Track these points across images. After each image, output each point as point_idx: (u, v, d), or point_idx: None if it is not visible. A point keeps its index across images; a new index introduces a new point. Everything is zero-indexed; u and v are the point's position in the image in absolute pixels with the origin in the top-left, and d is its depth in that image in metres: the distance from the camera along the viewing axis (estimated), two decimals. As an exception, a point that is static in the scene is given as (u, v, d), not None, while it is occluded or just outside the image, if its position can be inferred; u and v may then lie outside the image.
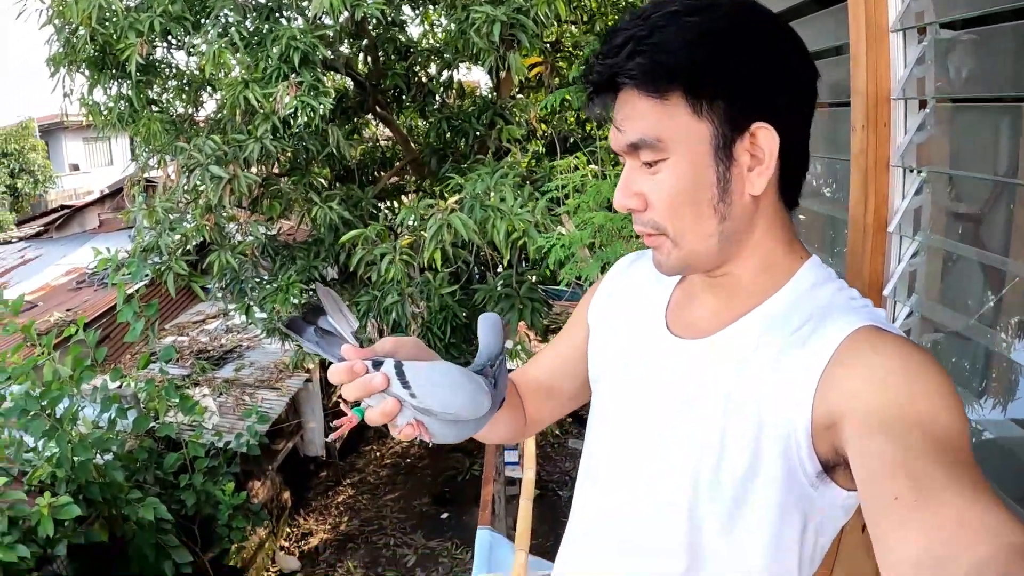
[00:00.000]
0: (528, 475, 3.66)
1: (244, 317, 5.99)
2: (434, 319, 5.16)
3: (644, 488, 0.90)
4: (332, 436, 1.05)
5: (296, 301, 5.60)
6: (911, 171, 1.35)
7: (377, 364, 0.89)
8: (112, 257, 5.60)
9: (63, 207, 14.70)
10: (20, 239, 13.65)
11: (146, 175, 6.65)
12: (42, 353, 4.65)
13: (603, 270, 3.29)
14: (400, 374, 0.89)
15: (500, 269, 5.41)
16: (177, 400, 5.56)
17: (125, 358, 8.43)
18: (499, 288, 4.99)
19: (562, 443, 8.28)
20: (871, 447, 0.69)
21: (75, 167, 22.08)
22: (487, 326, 0.99)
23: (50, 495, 3.91)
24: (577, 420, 8.58)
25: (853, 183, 1.42)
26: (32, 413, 4.21)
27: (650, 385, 0.92)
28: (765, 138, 0.79)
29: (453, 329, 5.26)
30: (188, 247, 5.54)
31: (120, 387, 5.63)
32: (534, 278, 5.23)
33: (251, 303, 5.81)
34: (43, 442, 4.47)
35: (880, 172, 1.37)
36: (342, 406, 0.94)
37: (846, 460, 0.74)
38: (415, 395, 0.89)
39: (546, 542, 5.84)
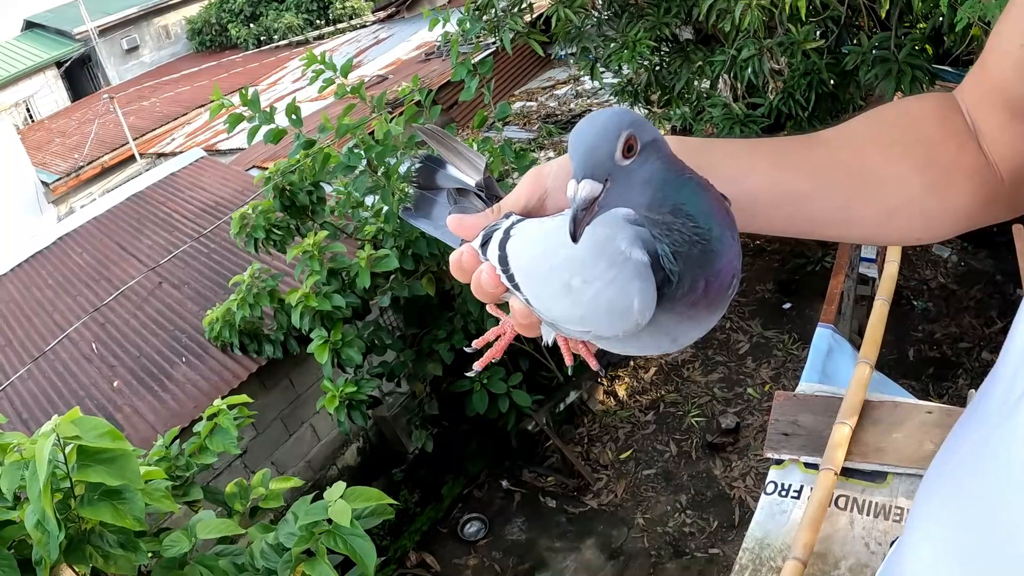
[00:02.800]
0: (890, 269, 2.88)
1: (590, 77, 5.73)
2: (796, 83, 4.50)
3: None
4: (476, 366, 0.65)
5: (646, 62, 5.20)
6: None
7: (486, 241, 0.56)
8: (444, 15, 5.49)
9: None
10: (374, 23, 14.52)
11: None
12: (373, 112, 4.74)
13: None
14: (503, 257, 0.54)
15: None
16: (514, 159, 5.49)
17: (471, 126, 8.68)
18: (874, 51, 4.19)
19: (925, 247, 6.91)
20: None
21: (427, -46, 22.61)
22: None
23: (371, 248, 4.06)
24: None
25: None
26: (358, 169, 4.35)
27: None
28: None
29: (819, 97, 4.56)
30: (524, 5, 5.26)
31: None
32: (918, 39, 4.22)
33: (596, 61, 5.50)
34: (375, 199, 4.65)
35: None
36: (489, 309, 0.64)
37: None
38: (522, 291, 0.54)
39: (890, 355, 4.94)
